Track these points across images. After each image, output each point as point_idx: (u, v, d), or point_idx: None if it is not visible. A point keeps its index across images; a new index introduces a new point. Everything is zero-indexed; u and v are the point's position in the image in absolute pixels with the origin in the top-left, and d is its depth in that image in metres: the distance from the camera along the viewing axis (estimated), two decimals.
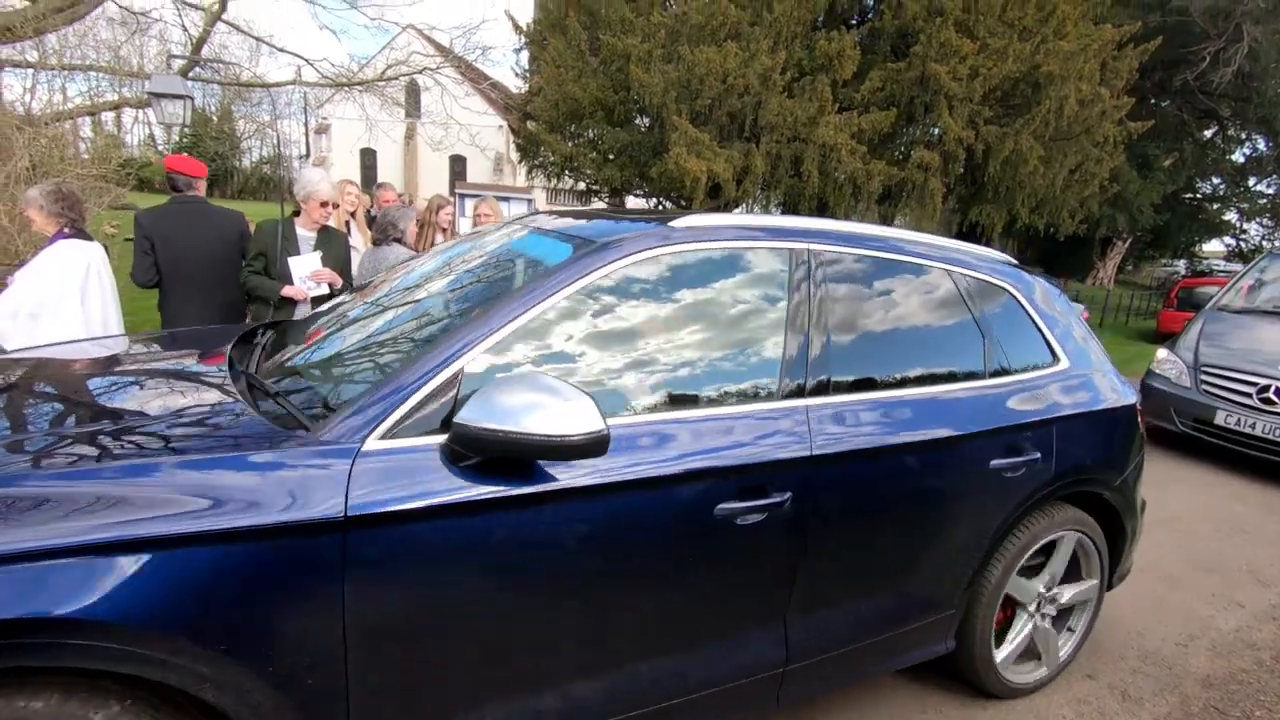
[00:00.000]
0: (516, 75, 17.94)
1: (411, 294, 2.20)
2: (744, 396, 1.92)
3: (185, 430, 1.55)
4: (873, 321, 2.23)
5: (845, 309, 2.16)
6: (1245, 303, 6.89)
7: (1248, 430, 5.72)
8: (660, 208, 14.17)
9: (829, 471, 1.96)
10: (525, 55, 17.00)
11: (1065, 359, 2.64)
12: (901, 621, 2.28)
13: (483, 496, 1.50)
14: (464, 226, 7.06)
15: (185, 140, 31.09)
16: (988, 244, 3.80)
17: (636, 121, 13.68)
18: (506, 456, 1.49)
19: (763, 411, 1.91)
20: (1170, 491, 5.22)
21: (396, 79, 13.05)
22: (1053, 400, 2.51)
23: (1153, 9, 16.32)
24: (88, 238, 3.49)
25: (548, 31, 14.25)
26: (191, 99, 7.88)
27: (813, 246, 2.15)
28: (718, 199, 12.63)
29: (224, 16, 10.82)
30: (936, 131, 13.00)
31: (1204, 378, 6.16)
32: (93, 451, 1.44)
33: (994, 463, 2.30)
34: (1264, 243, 25.43)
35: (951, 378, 2.33)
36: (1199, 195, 24.37)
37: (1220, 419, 5.88)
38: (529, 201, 13.25)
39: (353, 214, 5.42)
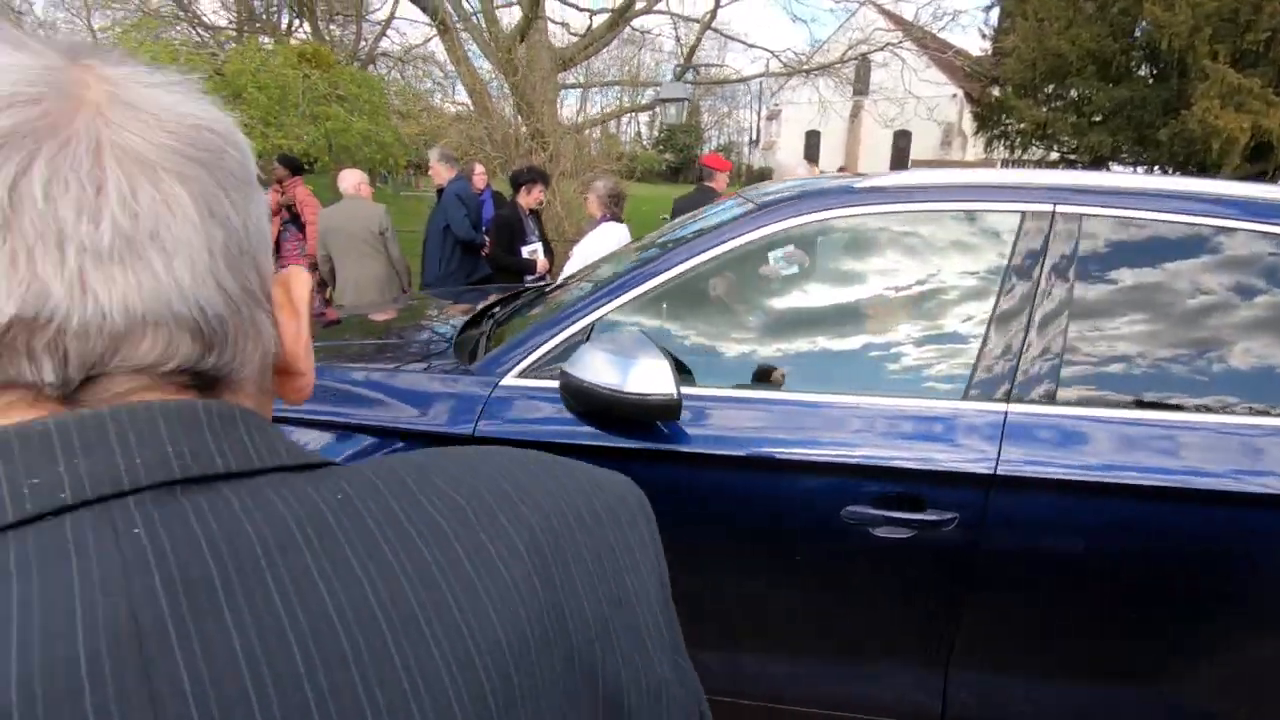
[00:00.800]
0: (984, 38, 16.36)
1: (611, 263, 2.24)
2: (911, 389, 1.61)
3: (411, 355, 2.07)
4: (1145, 314, 1.55)
5: (1099, 292, 1.55)
6: None
7: None
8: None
9: (1020, 500, 1.45)
10: (995, 13, 15.33)
11: None
12: None
13: (574, 441, 1.55)
14: None
15: (662, 134, 36.68)
16: None
17: (1140, 73, 11.22)
18: (588, 407, 1.52)
19: (935, 410, 1.52)
20: None
21: (855, 59, 13.11)
22: None
23: None
24: (621, 221, 4.39)
25: None
26: (689, 100, 9.21)
27: (1062, 208, 1.57)
28: (1263, 163, 9.58)
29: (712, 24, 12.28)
30: None
31: None
32: (359, 360, 1.95)
33: None
34: None
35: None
36: None
37: None
38: None
39: None
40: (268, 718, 0.24)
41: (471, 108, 10.69)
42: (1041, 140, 12.91)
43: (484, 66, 10.68)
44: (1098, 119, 11.65)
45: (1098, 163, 12.28)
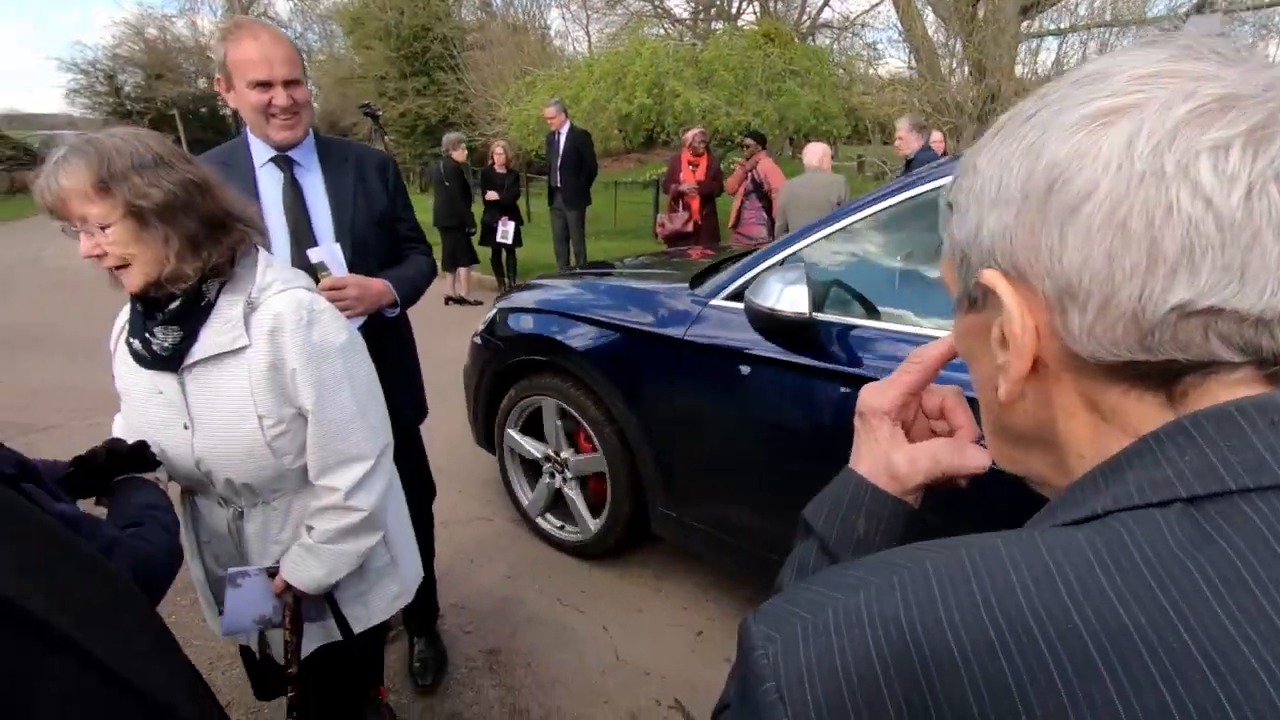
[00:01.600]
0: None
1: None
2: None
3: (657, 279, 2.71)
4: None
5: None
6: None
7: None
8: None
9: None
10: None
11: None
12: None
13: (748, 349, 2.02)
14: None
15: None
16: None
17: None
18: (756, 322, 1.98)
19: None
20: None
21: None
22: None
23: None
24: None
25: None
26: (1225, 36, 7.40)
27: None
28: None
29: None
30: None
31: None
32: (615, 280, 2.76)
33: None
34: None
35: None
36: None
37: None
38: None
39: None
40: None
41: (915, 71, 10.30)
42: None
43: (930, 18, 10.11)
44: None
45: None
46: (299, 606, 1.32)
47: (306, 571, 1.28)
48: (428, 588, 2.17)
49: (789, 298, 1.84)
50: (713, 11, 20.15)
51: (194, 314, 1.17)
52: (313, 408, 1.22)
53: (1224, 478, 0.31)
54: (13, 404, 4.40)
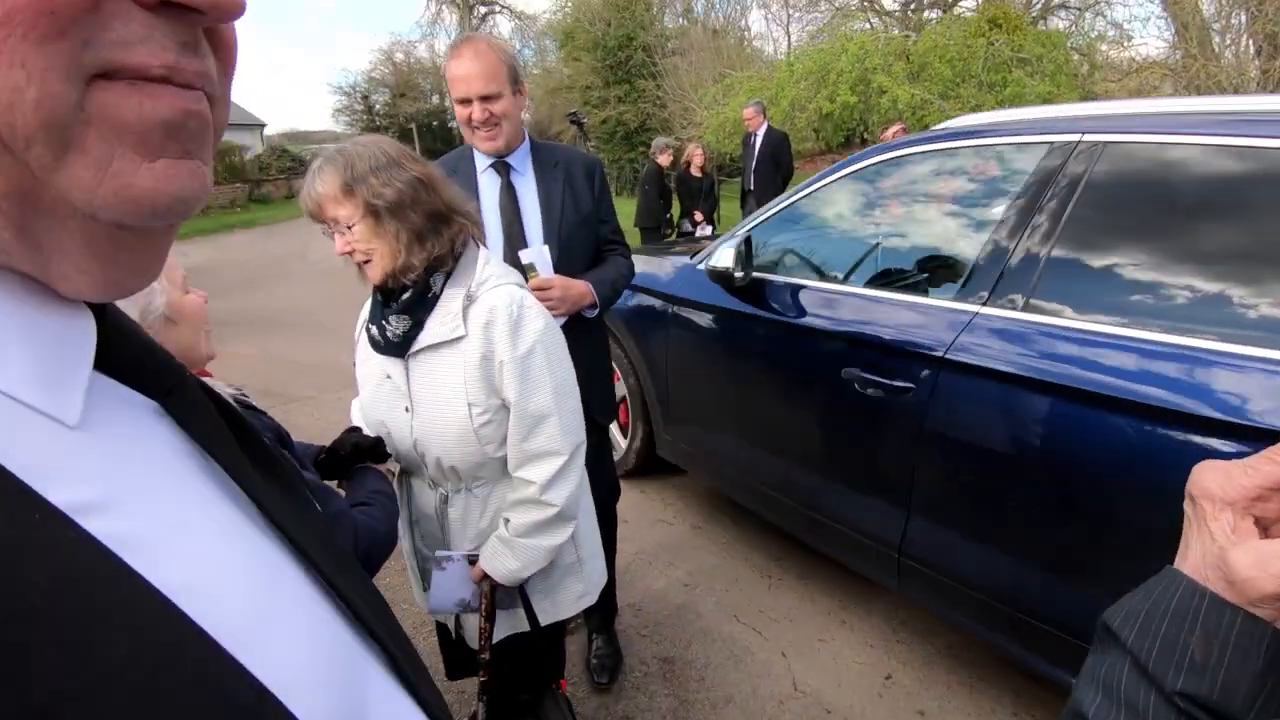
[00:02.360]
0: None
1: None
2: (914, 289, 2.04)
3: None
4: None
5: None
6: None
7: None
8: None
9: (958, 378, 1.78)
10: None
11: None
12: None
13: (711, 300, 2.61)
14: None
15: None
16: None
17: None
18: (711, 278, 2.55)
19: (920, 304, 1.94)
20: None
21: None
22: None
23: None
24: None
25: None
26: None
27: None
28: None
29: None
30: None
31: None
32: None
33: None
34: None
35: None
36: None
37: None
38: None
39: None
40: None
41: (1182, 52, 8.79)
42: None
43: None
44: None
45: None
46: (494, 595, 1.37)
47: (502, 562, 1.32)
48: (608, 586, 2.19)
49: (722, 257, 2.42)
50: (925, 1, 18.82)
51: (422, 305, 1.27)
52: (515, 400, 1.27)
53: None
54: (277, 376, 5.19)
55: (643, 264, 2.89)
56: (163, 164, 0.28)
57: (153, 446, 0.34)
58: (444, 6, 29.67)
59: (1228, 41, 8.57)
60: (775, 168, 6.91)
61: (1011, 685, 2.11)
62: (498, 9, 30.05)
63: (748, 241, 2.45)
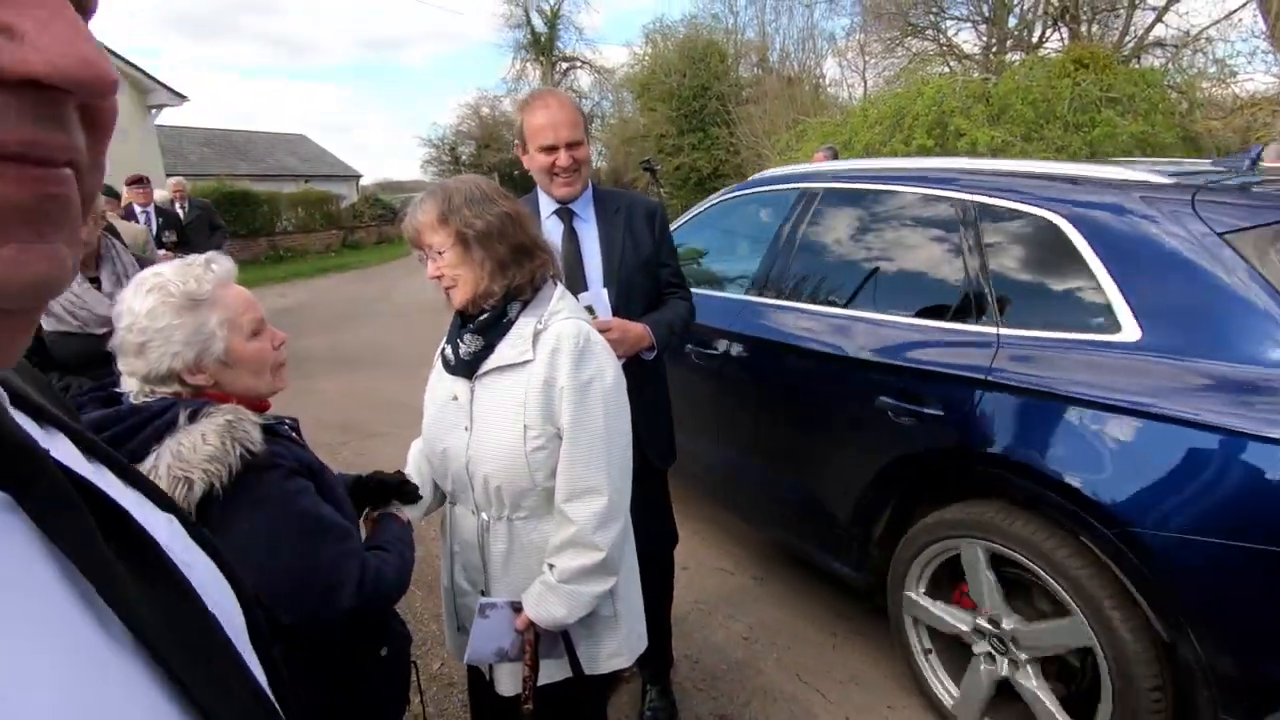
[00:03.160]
0: None
1: None
2: (736, 286, 2.97)
3: None
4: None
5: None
6: None
7: None
8: None
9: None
10: None
11: None
12: None
13: None
14: None
15: None
16: None
17: None
18: None
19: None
20: None
21: None
22: None
23: None
24: None
25: None
26: None
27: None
28: None
29: None
30: None
31: None
32: None
33: None
34: None
35: None
36: None
37: None
38: None
39: None
40: None
41: None
42: None
43: None
44: None
45: None
46: (539, 643, 1.35)
47: (547, 609, 1.31)
48: (663, 635, 2.13)
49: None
50: (1008, 43, 18.45)
51: (496, 328, 1.34)
52: (569, 428, 1.30)
53: None
54: (359, 411, 5.42)
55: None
56: (12, 249, 0.25)
57: None
58: (528, 64, 31.22)
59: None
60: None
61: None
62: (578, 64, 31.38)
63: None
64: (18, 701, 0.25)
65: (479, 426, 1.35)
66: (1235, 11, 12.67)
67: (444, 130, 33.26)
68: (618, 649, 1.47)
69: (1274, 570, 1.34)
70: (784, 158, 12.72)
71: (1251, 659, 1.43)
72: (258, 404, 1.15)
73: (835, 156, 7.11)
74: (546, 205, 1.89)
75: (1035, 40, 17.88)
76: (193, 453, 0.97)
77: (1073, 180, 1.88)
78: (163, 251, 4.97)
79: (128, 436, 0.99)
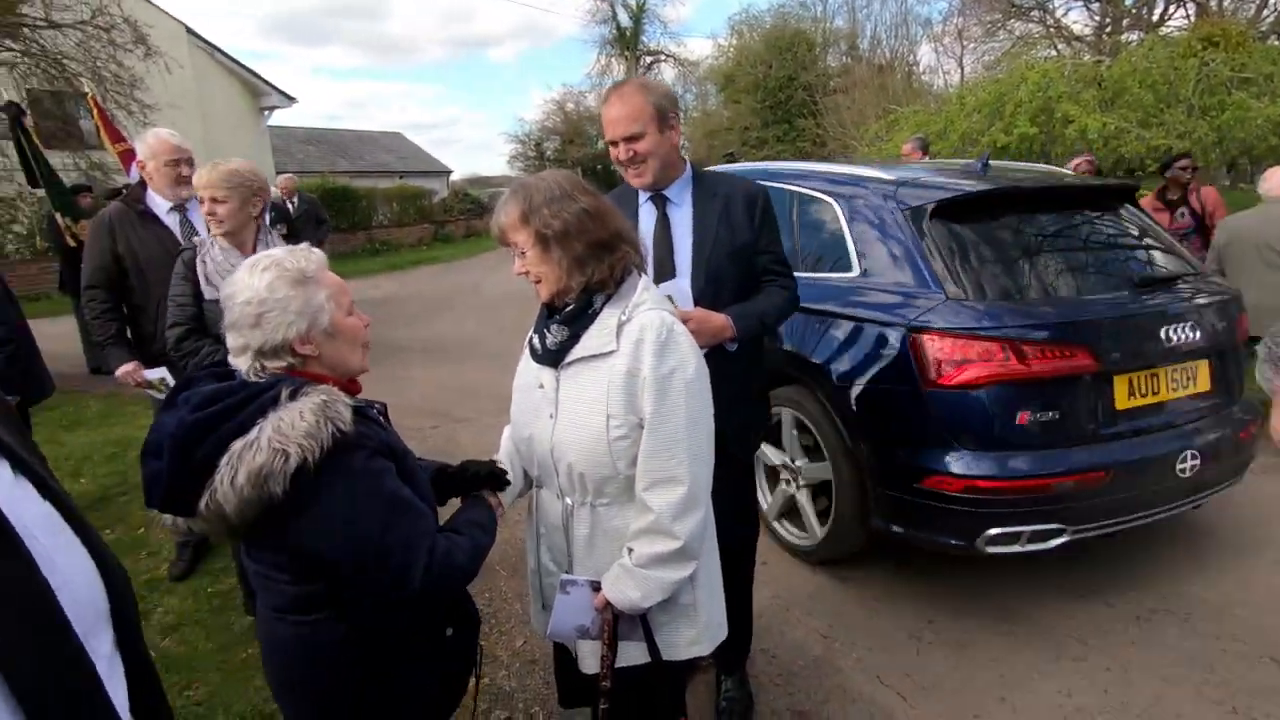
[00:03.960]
0: None
1: None
2: None
3: None
4: None
5: None
6: None
7: None
8: None
9: None
10: None
11: None
12: None
13: None
14: None
15: None
16: None
17: None
18: None
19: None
20: None
21: None
22: None
23: None
24: None
25: None
26: None
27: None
28: None
29: None
30: None
31: None
32: None
33: None
34: None
35: None
36: None
37: None
38: None
39: None
40: None
41: None
42: None
43: None
44: None
45: None
46: (616, 623, 1.38)
47: (623, 591, 1.33)
48: (743, 626, 2.12)
49: None
50: (1125, 22, 17.15)
51: (581, 319, 1.37)
52: (650, 417, 1.31)
53: None
54: (446, 398, 5.64)
55: None
56: None
57: None
58: (612, 59, 31.46)
59: None
60: None
61: None
62: (663, 58, 31.37)
63: None
64: None
65: (563, 415, 1.38)
66: None
67: (530, 126, 34.01)
68: (696, 637, 1.47)
69: (895, 397, 2.50)
70: (873, 149, 12.30)
71: (889, 450, 2.56)
72: (350, 386, 1.23)
73: (925, 148, 6.80)
74: (643, 193, 1.92)
75: (1156, 18, 16.53)
76: (291, 428, 1.03)
77: (849, 178, 3.01)
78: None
79: (239, 409, 1.06)
